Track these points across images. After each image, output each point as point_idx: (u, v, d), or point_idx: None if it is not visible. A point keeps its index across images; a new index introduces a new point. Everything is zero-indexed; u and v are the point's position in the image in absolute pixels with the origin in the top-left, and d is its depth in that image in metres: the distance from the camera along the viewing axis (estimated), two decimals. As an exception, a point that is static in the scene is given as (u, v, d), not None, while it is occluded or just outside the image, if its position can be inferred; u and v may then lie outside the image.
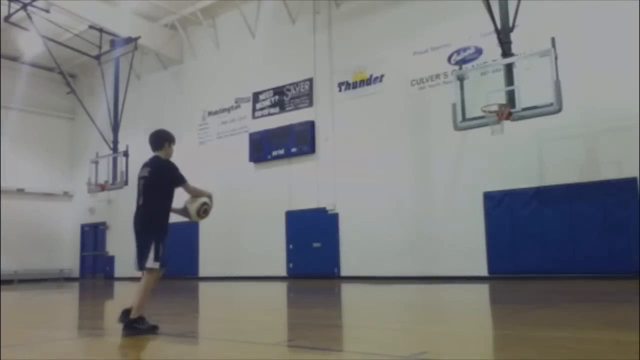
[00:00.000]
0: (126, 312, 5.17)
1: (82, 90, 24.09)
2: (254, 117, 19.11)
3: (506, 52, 11.79)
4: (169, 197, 5.45)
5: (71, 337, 5.76)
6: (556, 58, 10.70)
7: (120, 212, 23.15)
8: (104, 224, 23.96)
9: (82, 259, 24.83)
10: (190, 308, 9.35)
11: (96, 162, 19.82)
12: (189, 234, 20.23)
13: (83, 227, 24.86)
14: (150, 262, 5.17)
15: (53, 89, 24.82)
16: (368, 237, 15.67)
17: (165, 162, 5.56)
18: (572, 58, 12.09)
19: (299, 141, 17.58)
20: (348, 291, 12.18)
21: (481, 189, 13.97)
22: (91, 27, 20.08)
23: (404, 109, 15.66)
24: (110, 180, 19.07)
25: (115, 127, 19.87)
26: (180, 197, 5.57)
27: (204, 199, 5.55)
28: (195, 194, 5.58)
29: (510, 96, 11.32)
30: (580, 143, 12.92)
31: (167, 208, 5.43)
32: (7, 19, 18.59)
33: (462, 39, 14.75)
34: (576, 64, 12.33)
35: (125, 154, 18.82)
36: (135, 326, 5.12)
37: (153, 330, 5.24)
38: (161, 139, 5.63)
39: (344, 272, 16.17)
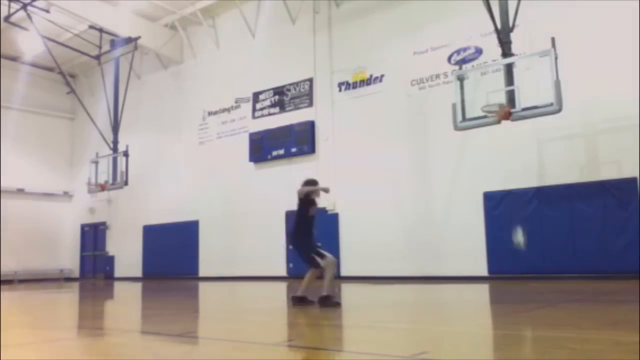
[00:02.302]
0: (296, 298, 7.86)
1: (82, 90, 24.10)
2: (254, 117, 19.11)
3: (506, 52, 11.78)
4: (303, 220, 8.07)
5: (71, 337, 5.76)
6: (556, 58, 10.68)
7: (120, 212, 23.19)
8: (104, 224, 23.96)
9: (82, 259, 24.83)
10: (190, 308, 9.35)
11: (96, 162, 19.80)
12: (189, 234, 20.25)
13: (83, 227, 24.86)
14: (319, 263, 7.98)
15: (53, 89, 24.84)
16: (368, 237, 15.66)
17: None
18: (572, 58, 12.09)
19: (299, 141, 17.57)
20: (348, 291, 12.16)
21: (481, 189, 13.97)
22: (91, 27, 20.09)
23: (404, 109, 15.65)
24: (110, 180, 19.06)
25: (115, 127, 19.85)
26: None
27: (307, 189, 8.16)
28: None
29: (510, 96, 11.31)
30: (580, 143, 12.92)
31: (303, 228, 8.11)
32: (7, 19, 18.59)
33: (462, 39, 14.75)
34: (576, 64, 12.33)
35: (125, 154, 18.82)
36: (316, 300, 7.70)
37: (305, 300, 7.79)
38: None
39: (344, 272, 16.15)
